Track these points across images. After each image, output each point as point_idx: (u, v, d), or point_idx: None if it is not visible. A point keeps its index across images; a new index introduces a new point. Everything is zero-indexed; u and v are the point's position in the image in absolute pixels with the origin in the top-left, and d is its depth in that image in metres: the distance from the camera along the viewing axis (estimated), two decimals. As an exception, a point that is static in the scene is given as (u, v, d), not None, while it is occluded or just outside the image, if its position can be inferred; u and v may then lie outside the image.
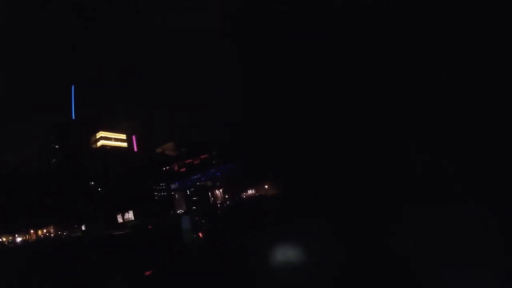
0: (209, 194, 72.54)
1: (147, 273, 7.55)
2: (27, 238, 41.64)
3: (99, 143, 62.26)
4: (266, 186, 59.12)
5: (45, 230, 42.89)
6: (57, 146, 48.85)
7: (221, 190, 74.00)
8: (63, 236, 40.92)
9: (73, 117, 54.99)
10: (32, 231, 43.13)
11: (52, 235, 41.99)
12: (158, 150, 78.78)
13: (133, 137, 70.65)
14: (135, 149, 74.05)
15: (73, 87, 52.81)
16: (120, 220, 56.63)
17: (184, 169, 76.58)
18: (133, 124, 65.60)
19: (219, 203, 60.46)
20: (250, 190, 64.43)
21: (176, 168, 78.29)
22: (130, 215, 60.33)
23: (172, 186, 75.92)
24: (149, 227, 25.49)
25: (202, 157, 77.89)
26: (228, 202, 57.27)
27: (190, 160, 77.54)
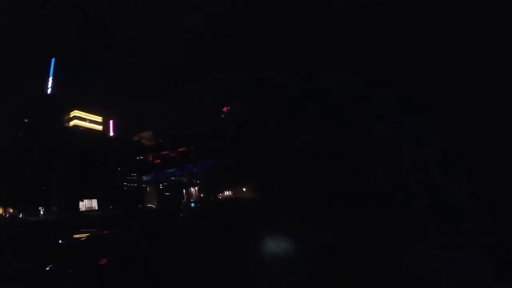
0: (183, 190, 69.78)
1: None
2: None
3: (72, 123, 57.81)
4: (244, 189, 57.54)
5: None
6: (26, 120, 44.31)
7: (196, 188, 71.47)
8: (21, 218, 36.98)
9: (49, 91, 50.42)
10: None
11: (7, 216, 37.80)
12: (135, 138, 74.72)
13: (110, 121, 66.60)
14: (111, 133, 69.72)
15: (53, 60, 48.28)
16: (82, 208, 52.83)
17: (159, 161, 72.87)
18: (111, 108, 61.81)
19: (192, 201, 57.89)
20: (227, 192, 62.72)
21: (150, 159, 74.48)
22: (94, 204, 56.55)
23: (145, 178, 72.14)
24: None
25: (179, 150, 74.50)
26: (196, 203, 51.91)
27: (166, 152, 73.83)
